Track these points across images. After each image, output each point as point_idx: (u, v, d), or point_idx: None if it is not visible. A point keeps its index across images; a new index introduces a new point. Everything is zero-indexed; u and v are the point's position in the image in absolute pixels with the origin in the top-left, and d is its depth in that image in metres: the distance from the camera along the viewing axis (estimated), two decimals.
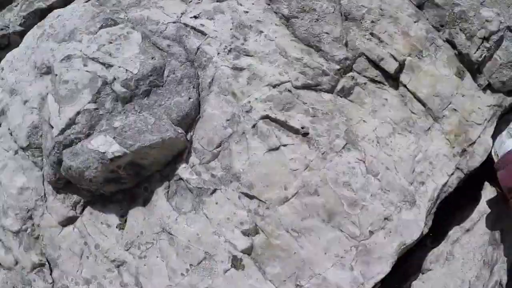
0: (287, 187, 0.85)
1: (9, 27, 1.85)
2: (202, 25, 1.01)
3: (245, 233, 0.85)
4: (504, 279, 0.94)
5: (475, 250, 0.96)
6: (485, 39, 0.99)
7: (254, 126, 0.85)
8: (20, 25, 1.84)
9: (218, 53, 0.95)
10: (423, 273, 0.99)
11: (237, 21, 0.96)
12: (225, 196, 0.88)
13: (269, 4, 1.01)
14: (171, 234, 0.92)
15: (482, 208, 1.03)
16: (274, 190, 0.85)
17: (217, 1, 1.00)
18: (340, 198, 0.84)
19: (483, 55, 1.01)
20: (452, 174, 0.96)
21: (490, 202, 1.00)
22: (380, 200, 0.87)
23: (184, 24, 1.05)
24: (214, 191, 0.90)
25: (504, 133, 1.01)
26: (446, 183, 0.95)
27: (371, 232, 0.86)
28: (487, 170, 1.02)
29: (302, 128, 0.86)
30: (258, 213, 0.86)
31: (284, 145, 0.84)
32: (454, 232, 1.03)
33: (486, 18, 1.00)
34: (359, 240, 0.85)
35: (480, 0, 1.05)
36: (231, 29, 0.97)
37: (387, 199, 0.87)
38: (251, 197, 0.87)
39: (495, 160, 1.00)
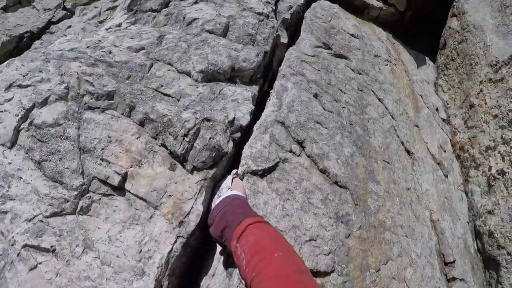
0: None
1: None
2: None
3: None
4: None
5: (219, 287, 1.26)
6: (186, 135, 1.38)
7: (18, 254, 1.14)
8: None
9: None
10: None
11: (3, 172, 1.25)
12: None
13: (27, 153, 1.29)
14: None
15: (219, 254, 1.34)
16: None
17: None
18: None
19: (185, 148, 1.37)
20: (175, 242, 1.25)
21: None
22: (114, 280, 1.15)
23: None
24: None
25: (215, 196, 1.37)
26: (171, 250, 1.24)
27: None
28: None
29: (51, 247, 1.16)
30: None
31: (40, 263, 1.14)
32: (204, 282, 1.31)
33: (185, 119, 1.41)
34: None
35: (186, 104, 1.49)
36: None
37: (120, 278, 1.15)
38: None
39: None
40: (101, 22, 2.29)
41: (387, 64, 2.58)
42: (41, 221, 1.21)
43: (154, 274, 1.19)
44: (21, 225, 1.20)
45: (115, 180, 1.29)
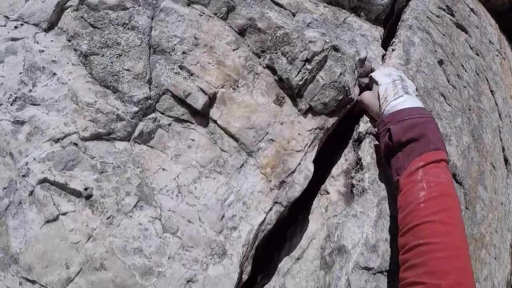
0: (69, 265, 0.67)
1: None
2: None
3: None
4: None
5: (307, 277, 0.88)
6: (308, 60, 0.90)
7: (31, 193, 0.69)
8: None
9: (1, 104, 0.76)
10: None
11: (29, 63, 0.79)
12: (5, 284, 0.67)
13: (69, 40, 0.84)
14: None
15: (311, 233, 0.93)
16: (55, 271, 0.66)
17: (11, 40, 0.83)
18: (131, 268, 0.67)
19: (304, 78, 0.90)
20: (270, 210, 0.83)
21: None
22: (181, 260, 0.70)
23: None
24: None
25: (390, 82, 0.97)
26: (263, 221, 0.81)
27: None
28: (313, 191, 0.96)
29: (86, 189, 0.70)
30: None
31: (64, 214, 0.68)
32: (285, 263, 0.91)
33: (310, 39, 0.92)
34: None
35: (307, 21, 1.03)
36: (20, 73, 0.79)
37: (190, 258, 0.71)
38: (32, 282, 0.66)
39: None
40: None
41: (497, 55, 2.11)
42: (75, 144, 0.75)
43: (238, 256, 0.75)
44: (42, 146, 0.73)
45: (198, 100, 0.83)
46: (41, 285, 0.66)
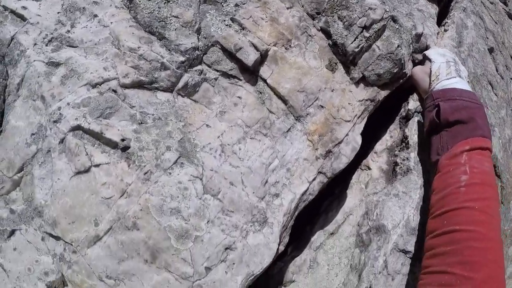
0: (99, 222, 0.61)
1: None
2: (24, 7, 0.74)
3: (50, 287, 0.61)
4: (374, 284, 0.76)
5: (340, 254, 0.86)
6: (365, 28, 0.84)
7: (62, 141, 0.63)
8: None
9: (35, 44, 0.70)
10: (285, 286, 0.87)
11: (68, 3, 0.74)
12: (26, 238, 0.62)
13: None
14: None
15: (348, 208, 0.90)
16: (82, 228, 0.61)
17: None
18: (166, 230, 0.62)
19: (361, 45, 0.85)
20: (314, 179, 0.78)
21: None
22: (220, 225, 0.66)
23: (3, 7, 0.75)
24: (13, 232, 0.63)
25: (443, 62, 0.91)
26: (306, 191, 0.76)
27: (208, 269, 0.63)
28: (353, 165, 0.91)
29: (123, 140, 0.64)
30: (64, 259, 0.61)
31: (97, 165, 0.62)
32: (318, 237, 0.89)
33: (369, 5, 0.85)
34: (193, 280, 0.62)
35: None
36: (58, 12, 0.74)
37: (230, 223, 0.67)
38: (56, 238, 0.62)
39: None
40: None
41: None
42: (114, 90, 0.69)
43: (279, 225, 0.71)
44: (77, 91, 0.67)
45: (250, 56, 0.78)
46: (66, 241, 0.62)
